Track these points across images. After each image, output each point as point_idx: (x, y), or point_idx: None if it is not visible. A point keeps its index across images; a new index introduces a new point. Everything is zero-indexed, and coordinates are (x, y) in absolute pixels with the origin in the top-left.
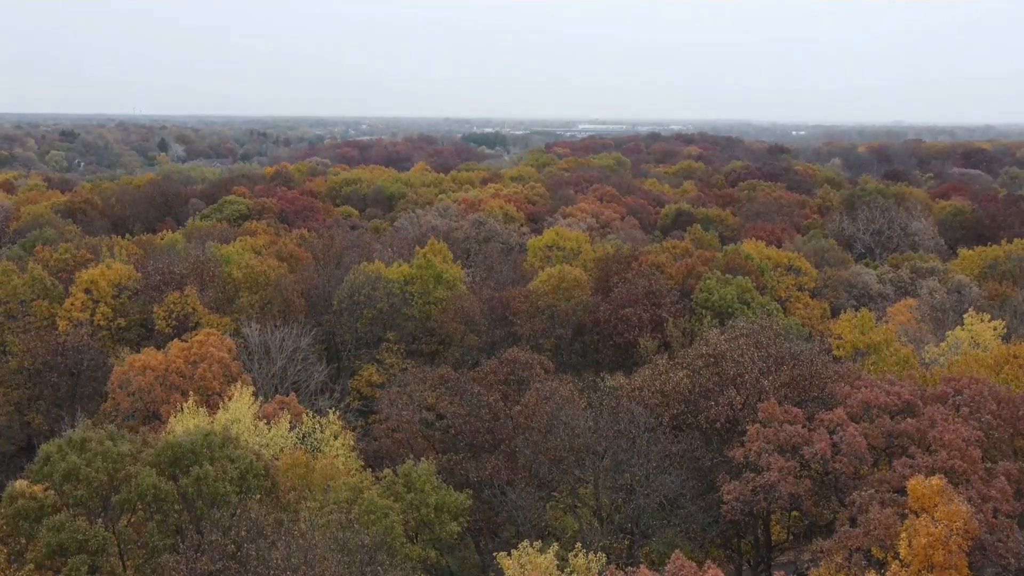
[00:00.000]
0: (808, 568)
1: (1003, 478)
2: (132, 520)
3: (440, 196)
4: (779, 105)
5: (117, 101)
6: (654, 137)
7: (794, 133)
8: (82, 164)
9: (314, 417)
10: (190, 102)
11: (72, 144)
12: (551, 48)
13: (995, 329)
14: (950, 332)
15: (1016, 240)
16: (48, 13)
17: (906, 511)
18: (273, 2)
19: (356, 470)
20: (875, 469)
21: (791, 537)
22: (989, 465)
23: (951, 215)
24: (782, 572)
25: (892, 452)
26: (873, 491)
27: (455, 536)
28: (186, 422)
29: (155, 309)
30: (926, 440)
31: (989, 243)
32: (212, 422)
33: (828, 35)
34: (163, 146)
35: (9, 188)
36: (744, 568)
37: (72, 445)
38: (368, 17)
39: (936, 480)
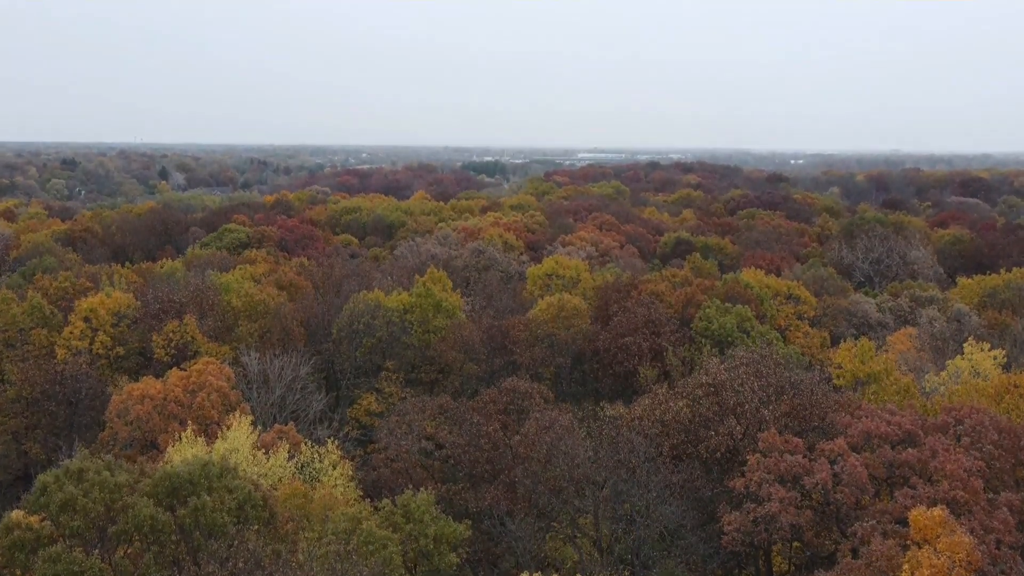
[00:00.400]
0: None
1: (1005, 509)
2: (129, 551)
3: (440, 224)
4: (778, 134)
5: (119, 130)
6: (653, 166)
7: (793, 162)
8: (83, 192)
9: (312, 446)
10: (191, 131)
11: (73, 172)
12: (551, 77)
13: (995, 358)
14: (950, 361)
15: (1015, 269)
16: (49, 43)
17: (908, 542)
18: (274, 33)
19: (355, 500)
20: (877, 499)
21: (792, 568)
22: (991, 496)
23: (950, 244)
24: None
25: (894, 482)
26: (875, 522)
27: (454, 567)
28: (184, 452)
29: (154, 338)
30: (927, 470)
31: (988, 272)
32: (210, 452)
33: (826, 65)
34: (164, 174)
35: (10, 216)
36: None
37: (69, 475)
38: (368, 47)
39: (938, 511)
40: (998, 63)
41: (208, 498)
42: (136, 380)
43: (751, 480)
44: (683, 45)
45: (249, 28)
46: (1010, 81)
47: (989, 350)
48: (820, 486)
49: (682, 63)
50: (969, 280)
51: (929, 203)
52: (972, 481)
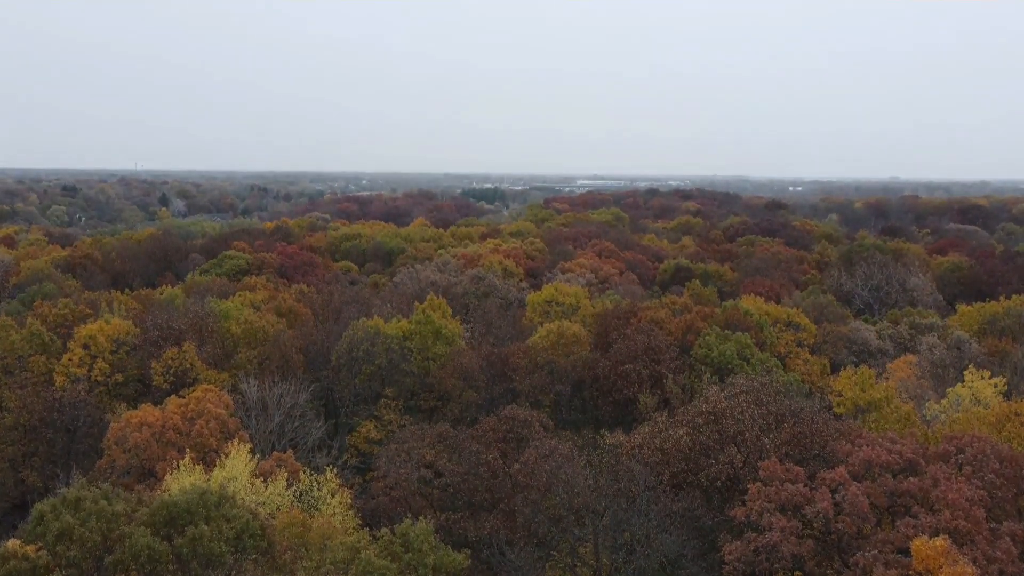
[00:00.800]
0: None
1: (1008, 538)
2: None
3: (439, 251)
4: (776, 161)
5: (120, 156)
6: (652, 192)
7: (791, 189)
8: (83, 219)
9: (311, 474)
10: (192, 157)
11: (74, 199)
12: (550, 104)
13: (996, 386)
14: (951, 389)
15: (1015, 296)
16: (50, 70)
17: (911, 572)
18: (274, 59)
19: (353, 529)
20: (878, 529)
21: None
22: (993, 525)
23: (949, 271)
24: None
25: (895, 512)
26: (877, 552)
27: None
28: (182, 480)
29: (153, 365)
30: (929, 499)
31: (987, 299)
32: (208, 480)
33: (824, 91)
34: (164, 201)
35: (10, 243)
36: None
37: (66, 504)
38: (368, 72)
39: (940, 541)
40: (995, 91)
41: (206, 527)
42: (135, 407)
43: (752, 509)
44: (682, 72)
45: (249, 55)
46: (1007, 109)
47: (989, 378)
48: (821, 515)
49: (681, 90)
50: (969, 307)
51: (928, 230)
52: (974, 510)
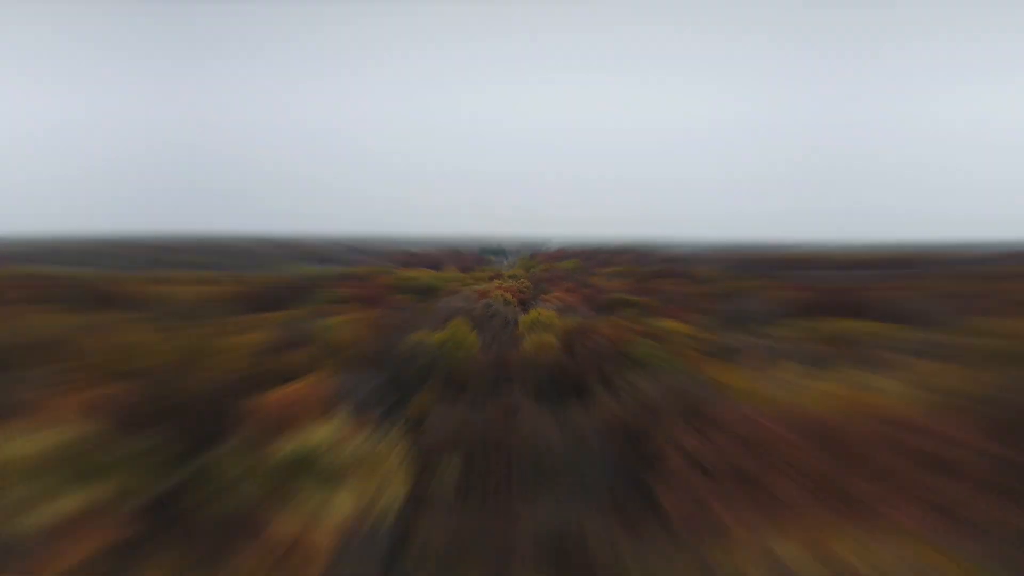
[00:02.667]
0: None
1: None
2: None
3: (463, 288)
4: (685, 224)
5: (256, 222)
6: (601, 249)
7: (696, 246)
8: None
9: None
10: (305, 222)
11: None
12: (542, 186)
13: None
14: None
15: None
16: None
17: None
18: (350, 149)
19: None
20: None
21: None
22: None
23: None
24: None
25: None
26: None
27: None
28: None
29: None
30: None
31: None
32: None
33: (727, 174)
34: (293, 254)
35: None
36: None
37: None
38: (410, 166)
39: None
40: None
41: None
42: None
43: None
44: (635, 154)
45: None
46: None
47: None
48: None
49: (620, 179)
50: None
51: (780, 274)
52: None
